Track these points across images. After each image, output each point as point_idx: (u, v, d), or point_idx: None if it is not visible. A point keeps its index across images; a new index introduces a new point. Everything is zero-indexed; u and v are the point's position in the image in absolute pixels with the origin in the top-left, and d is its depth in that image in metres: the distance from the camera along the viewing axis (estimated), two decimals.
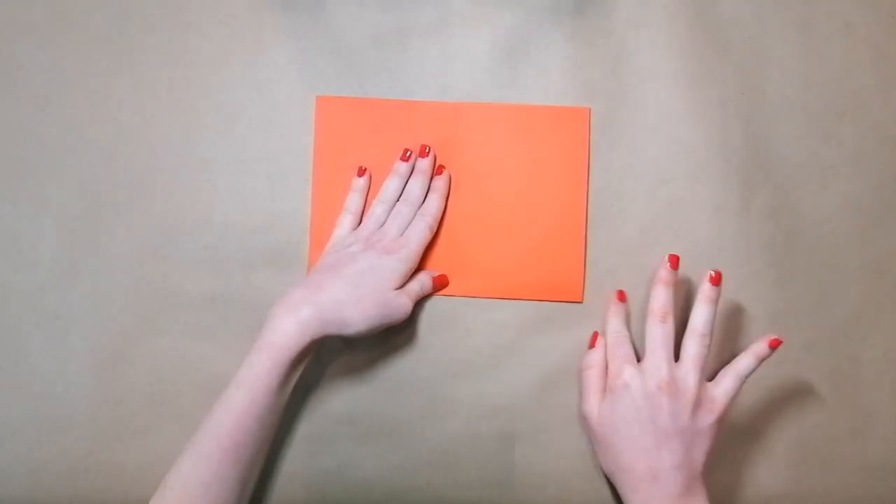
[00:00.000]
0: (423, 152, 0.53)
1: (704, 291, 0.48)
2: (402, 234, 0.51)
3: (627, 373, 0.47)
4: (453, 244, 0.54)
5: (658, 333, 0.48)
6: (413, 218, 0.52)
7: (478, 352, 0.53)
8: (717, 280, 0.48)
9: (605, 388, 0.49)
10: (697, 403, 0.46)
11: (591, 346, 0.52)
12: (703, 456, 0.46)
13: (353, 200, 0.53)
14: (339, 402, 0.53)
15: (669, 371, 0.47)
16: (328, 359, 0.53)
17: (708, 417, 0.46)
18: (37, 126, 0.54)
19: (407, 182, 0.53)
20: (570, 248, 0.53)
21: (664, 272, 0.49)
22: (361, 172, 0.53)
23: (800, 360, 0.53)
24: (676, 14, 0.54)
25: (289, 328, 0.45)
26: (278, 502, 0.52)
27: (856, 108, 0.54)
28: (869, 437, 0.53)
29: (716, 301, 0.48)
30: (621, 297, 0.52)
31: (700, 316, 0.48)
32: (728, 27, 0.54)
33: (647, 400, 0.46)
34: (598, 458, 0.50)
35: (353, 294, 0.47)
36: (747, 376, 0.48)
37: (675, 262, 0.50)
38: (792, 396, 0.53)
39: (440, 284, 0.53)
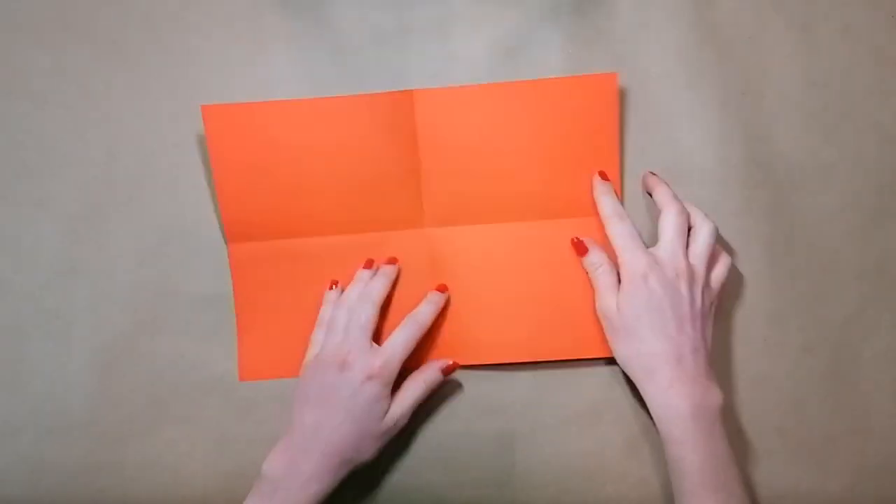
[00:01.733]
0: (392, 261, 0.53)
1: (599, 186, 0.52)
2: (364, 344, 0.49)
3: (645, 263, 0.48)
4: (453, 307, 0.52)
5: (628, 225, 0.50)
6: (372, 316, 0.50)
7: None
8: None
9: (620, 281, 0.49)
10: (706, 286, 0.48)
11: (583, 251, 0.51)
12: (710, 338, 0.48)
13: (327, 313, 0.52)
14: None
15: (685, 259, 0.48)
16: None
17: (710, 299, 0.49)
18: (37, 126, 0.54)
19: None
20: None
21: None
22: (332, 285, 0.52)
23: (800, 360, 0.53)
24: (676, 14, 0.54)
25: (304, 503, 0.46)
26: None
27: (856, 108, 0.54)
28: (869, 437, 0.53)
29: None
30: (605, 176, 0.52)
31: (696, 213, 0.50)
32: (728, 27, 0.54)
33: (666, 288, 0.47)
34: (613, 346, 0.49)
35: (356, 437, 0.47)
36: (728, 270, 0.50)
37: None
38: (792, 396, 0.53)
39: (450, 372, 0.51)
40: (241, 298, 0.53)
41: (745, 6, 0.55)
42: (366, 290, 0.51)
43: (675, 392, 0.46)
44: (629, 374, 0.49)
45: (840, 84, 0.54)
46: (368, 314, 0.50)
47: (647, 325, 0.47)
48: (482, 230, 0.53)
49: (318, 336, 0.51)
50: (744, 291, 0.53)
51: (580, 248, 0.51)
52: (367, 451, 0.48)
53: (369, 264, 0.53)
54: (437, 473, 0.52)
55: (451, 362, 0.51)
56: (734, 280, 0.53)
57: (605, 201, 0.51)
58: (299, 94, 0.53)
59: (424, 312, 0.51)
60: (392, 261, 0.53)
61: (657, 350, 0.47)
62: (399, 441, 0.52)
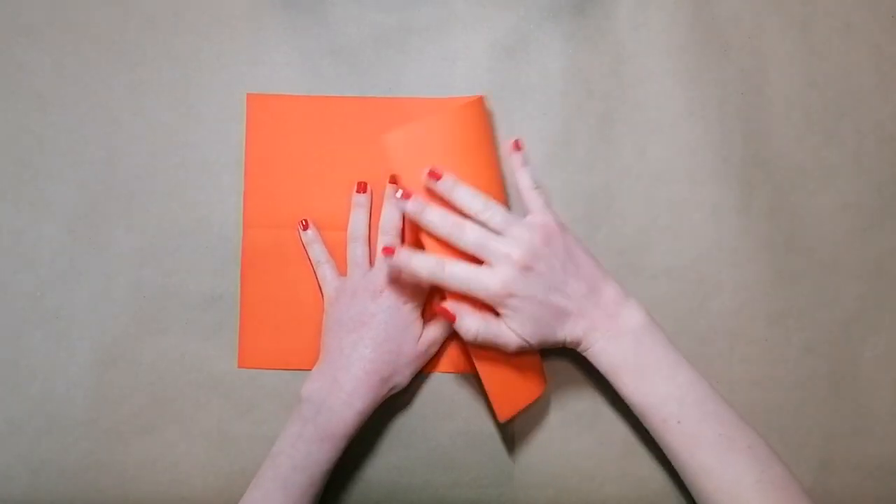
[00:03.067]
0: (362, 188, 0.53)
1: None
2: (391, 273, 0.49)
3: (492, 284, 0.45)
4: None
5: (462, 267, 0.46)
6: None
7: None
8: (518, 146, 0.51)
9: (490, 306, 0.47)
10: (544, 238, 0.46)
11: (451, 319, 0.47)
12: (591, 260, 0.48)
13: (318, 251, 0.53)
14: None
15: (506, 244, 0.46)
16: None
17: (557, 236, 0.47)
18: (37, 126, 0.54)
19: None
20: None
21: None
22: (305, 226, 0.53)
23: (800, 360, 0.53)
24: (676, 14, 0.54)
25: (349, 420, 0.47)
26: None
27: (856, 108, 0.54)
28: (869, 437, 0.53)
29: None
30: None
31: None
32: (728, 27, 0.54)
33: (525, 283, 0.45)
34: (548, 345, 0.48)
35: (394, 355, 0.49)
36: (535, 186, 0.50)
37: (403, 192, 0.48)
38: (792, 396, 0.53)
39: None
40: (247, 286, 0.53)
41: (745, 6, 0.54)
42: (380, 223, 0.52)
43: (597, 346, 0.47)
44: (553, 344, 0.48)
45: (840, 84, 0.54)
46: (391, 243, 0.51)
47: (548, 315, 0.46)
48: None
49: (326, 273, 0.52)
50: (744, 291, 0.53)
51: (448, 317, 0.46)
52: (403, 374, 0.49)
53: (363, 188, 0.53)
54: (437, 473, 0.52)
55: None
56: (734, 280, 0.53)
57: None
58: (299, 94, 0.53)
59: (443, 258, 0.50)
60: (362, 188, 0.53)
61: (564, 324, 0.46)
62: (399, 441, 0.52)
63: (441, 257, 0.46)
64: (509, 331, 0.46)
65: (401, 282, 0.50)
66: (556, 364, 0.53)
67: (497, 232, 0.46)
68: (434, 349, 0.51)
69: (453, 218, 0.46)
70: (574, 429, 0.53)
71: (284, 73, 0.54)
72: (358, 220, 0.53)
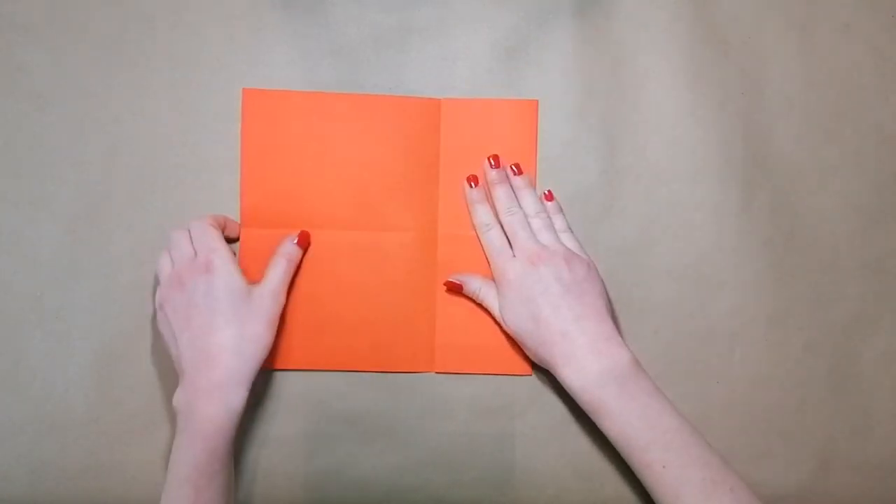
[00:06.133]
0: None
1: (517, 180, 0.53)
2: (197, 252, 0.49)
3: (502, 266, 0.50)
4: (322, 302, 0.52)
5: (496, 235, 0.52)
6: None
7: None
8: (550, 197, 0.53)
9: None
10: (568, 258, 0.49)
11: (457, 289, 0.52)
12: (600, 299, 0.49)
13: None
14: (339, 402, 0.53)
15: (536, 243, 0.50)
16: None
17: (578, 262, 0.49)
18: (37, 126, 0.54)
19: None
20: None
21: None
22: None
23: (800, 360, 0.53)
24: (676, 14, 0.54)
25: (216, 417, 0.45)
26: (278, 502, 0.52)
27: (856, 108, 0.54)
28: (869, 437, 0.53)
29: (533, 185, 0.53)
30: (475, 181, 0.53)
31: (558, 221, 0.52)
32: (728, 27, 0.54)
33: (529, 277, 0.48)
34: (529, 352, 0.50)
35: (238, 327, 0.46)
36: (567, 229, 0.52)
37: (475, 180, 0.53)
38: (793, 396, 0.53)
39: (306, 243, 0.52)
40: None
41: (745, 6, 0.54)
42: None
43: (571, 370, 0.47)
44: (546, 365, 0.49)
45: (840, 84, 0.54)
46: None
47: (531, 319, 0.48)
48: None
49: (163, 262, 0.51)
50: (744, 291, 0.53)
51: (455, 288, 0.52)
52: (262, 337, 0.47)
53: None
54: (437, 473, 0.52)
55: (302, 232, 0.52)
56: (734, 280, 0.53)
57: (478, 210, 0.53)
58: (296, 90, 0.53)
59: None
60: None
61: (544, 338, 0.48)
62: (399, 441, 0.52)
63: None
64: (496, 302, 0.50)
65: (192, 257, 0.48)
66: None
67: (538, 233, 0.51)
68: (281, 298, 0.49)
69: (491, 217, 0.52)
70: (574, 429, 0.53)
71: (284, 73, 0.54)
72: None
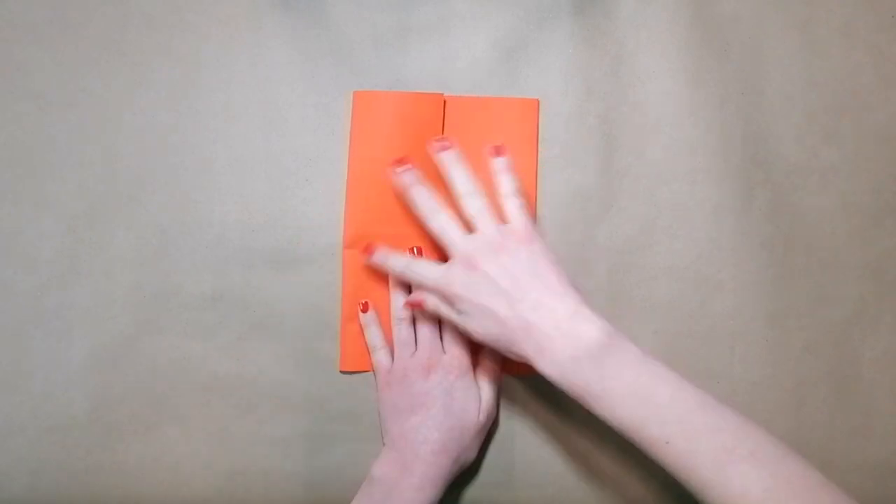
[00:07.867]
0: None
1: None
2: (438, 347, 0.50)
3: (447, 280, 0.46)
4: None
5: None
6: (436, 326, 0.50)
7: None
8: (500, 151, 0.50)
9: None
10: (505, 245, 0.46)
11: (416, 306, 0.50)
12: (552, 274, 0.45)
13: (375, 335, 0.52)
14: (339, 401, 0.53)
15: (467, 241, 0.47)
16: (327, 359, 0.53)
17: (521, 245, 0.46)
18: (37, 126, 0.54)
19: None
20: None
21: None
22: (365, 308, 0.52)
23: (800, 360, 0.53)
24: (676, 14, 0.54)
25: None
26: (278, 502, 0.52)
27: (856, 108, 0.54)
28: (869, 437, 0.53)
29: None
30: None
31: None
32: (728, 27, 0.54)
33: (473, 284, 0.45)
34: (508, 355, 0.46)
35: (459, 432, 0.48)
36: (514, 192, 0.49)
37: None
38: (792, 396, 0.53)
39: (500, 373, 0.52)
40: (348, 300, 0.52)
41: (745, 6, 0.55)
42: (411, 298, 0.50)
43: (546, 362, 0.43)
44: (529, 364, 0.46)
45: (840, 84, 0.54)
46: (432, 320, 0.50)
47: (493, 324, 0.45)
48: None
49: (381, 359, 0.51)
50: (744, 291, 0.53)
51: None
52: (472, 449, 0.49)
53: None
54: None
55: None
56: (734, 280, 0.53)
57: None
58: (299, 94, 0.53)
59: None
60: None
61: (512, 337, 0.44)
62: None
63: (411, 258, 0.50)
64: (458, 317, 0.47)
65: (451, 354, 0.49)
66: None
67: (468, 221, 0.48)
68: (493, 414, 0.51)
69: (434, 203, 0.49)
70: (574, 429, 0.53)
71: (284, 73, 0.54)
72: (398, 300, 0.51)
